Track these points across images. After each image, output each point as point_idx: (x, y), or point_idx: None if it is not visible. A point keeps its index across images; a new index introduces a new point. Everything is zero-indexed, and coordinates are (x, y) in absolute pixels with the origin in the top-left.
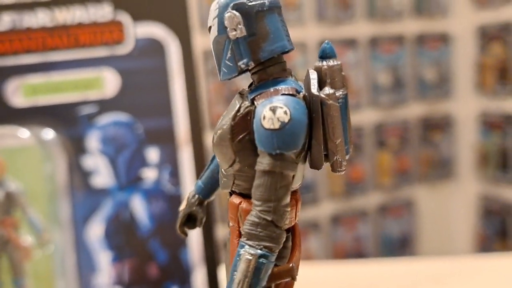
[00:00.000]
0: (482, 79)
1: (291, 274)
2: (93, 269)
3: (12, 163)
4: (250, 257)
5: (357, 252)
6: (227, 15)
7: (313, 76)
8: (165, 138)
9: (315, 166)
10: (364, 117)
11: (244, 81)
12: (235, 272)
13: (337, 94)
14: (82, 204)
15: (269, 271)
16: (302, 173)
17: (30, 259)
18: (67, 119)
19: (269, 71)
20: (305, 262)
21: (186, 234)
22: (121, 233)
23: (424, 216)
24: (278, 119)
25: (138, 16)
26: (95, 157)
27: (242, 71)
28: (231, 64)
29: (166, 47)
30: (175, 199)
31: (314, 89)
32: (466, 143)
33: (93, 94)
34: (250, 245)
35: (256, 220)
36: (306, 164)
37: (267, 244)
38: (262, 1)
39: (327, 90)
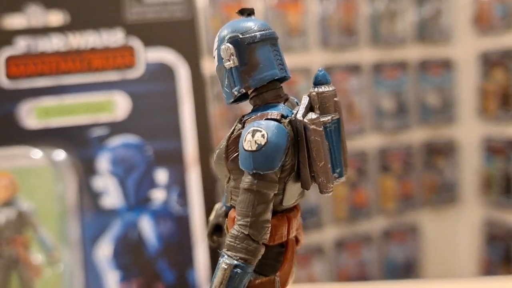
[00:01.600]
0: (485, 104)
1: (273, 286)
2: None
3: (24, 183)
4: (226, 266)
5: (361, 277)
6: (222, 47)
7: (304, 101)
8: (173, 159)
9: (304, 186)
10: (368, 141)
11: (248, 106)
12: (214, 279)
13: (325, 119)
14: (91, 224)
15: (244, 281)
16: (296, 193)
17: (40, 277)
18: (78, 141)
19: (262, 97)
20: (309, 286)
21: (214, 242)
22: (129, 253)
23: (429, 241)
24: (255, 141)
25: (149, 42)
26: (105, 178)
27: (238, 97)
28: (228, 91)
29: (175, 72)
30: (183, 220)
31: (299, 114)
32: (469, 168)
33: (104, 116)
34: (228, 256)
35: (235, 233)
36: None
37: (243, 256)
38: (253, 34)
39: (311, 115)
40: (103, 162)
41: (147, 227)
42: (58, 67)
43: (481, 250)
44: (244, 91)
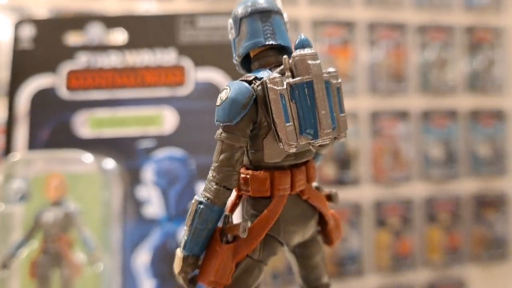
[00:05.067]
0: None
1: (236, 231)
2: None
3: (74, 187)
4: (193, 201)
5: None
6: (227, 23)
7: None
8: None
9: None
10: (414, 189)
11: None
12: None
13: (293, 80)
14: (132, 232)
15: (209, 218)
16: (281, 151)
17: (80, 276)
18: (127, 151)
19: (254, 64)
20: None
21: None
22: (167, 263)
23: None
24: (220, 97)
25: (199, 62)
26: (148, 188)
27: (239, 65)
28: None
29: None
30: None
31: (267, 75)
32: None
33: (152, 130)
34: (200, 194)
35: (208, 176)
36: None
37: (207, 194)
38: (245, 10)
39: (273, 75)
40: (148, 172)
41: None
42: (114, 81)
43: None
44: (238, 58)
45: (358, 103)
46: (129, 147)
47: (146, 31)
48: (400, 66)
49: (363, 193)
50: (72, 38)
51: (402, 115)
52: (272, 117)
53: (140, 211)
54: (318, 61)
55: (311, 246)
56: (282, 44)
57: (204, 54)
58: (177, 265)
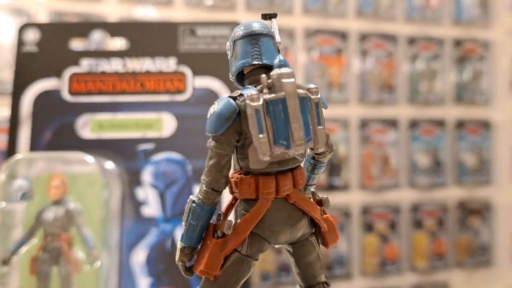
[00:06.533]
0: None
1: (222, 228)
2: None
3: (75, 187)
4: (188, 200)
5: None
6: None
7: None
8: None
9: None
10: (401, 196)
11: None
12: None
13: (268, 96)
14: (130, 231)
15: (200, 216)
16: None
17: (79, 273)
18: (126, 154)
19: (245, 82)
20: None
21: None
22: (162, 262)
23: None
24: (209, 111)
25: (197, 70)
26: (146, 189)
27: (235, 81)
28: None
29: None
30: None
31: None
32: (505, 230)
33: (151, 133)
34: (195, 194)
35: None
36: None
37: (198, 195)
38: (239, 33)
39: (251, 92)
40: (147, 174)
41: None
42: (114, 86)
43: None
44: (232, 76)
45: (349, 110)
46: (129, 149)
47: (148, 39)
48: (390, 76)
49: (352, 199)
50: (76, 44)
51: (392, 123)
52: (249, 129)
53: (138, 211)
54: (292, 79)
55: (304, 246)
56: (268, 63)
57: (201, 63)
58: (177, 255)
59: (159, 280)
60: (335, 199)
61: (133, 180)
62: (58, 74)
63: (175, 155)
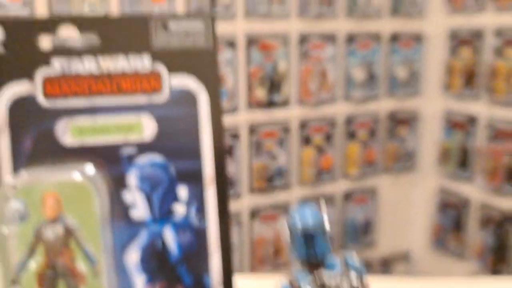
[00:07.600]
0: (450, 80)
1: None
2: None
3: (65, 195)
4: None
5: None
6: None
7: None
8: (193, 178)
9: None
10: (337, 109)
11: None
12: None
13: None
14: (121, 233)
15: None
16: None
17: (86, 285)
18: (110, 158)
19: None
20: None
21: None
22: (154, 260)
23: (386, 204)
24: None
25: (173, 68)
26: (133, 192)
27: None
28: None
29: (198, 98)
30: (200, 232)
31: None
32: (430, 139)
33: (133, 137)
34: None
35: None
36: None
37: None
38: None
39: None
40: (132, 178)
41: (170, 237)
42: (90, 88)
43: (434, 216)
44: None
45: (289, 25)
46: (113, 154)
47: (119, 34)
48: None
49: (291, 114)
50: (45, 42)
51: (330, 38)
52: None
53: (127, 214)
54: None
55: None
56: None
57: (177, 60)
58: None
59: (153, 276)
60: (275, 115)
61: (119, 184)
62: (29, 76)
63: (158, 158)
